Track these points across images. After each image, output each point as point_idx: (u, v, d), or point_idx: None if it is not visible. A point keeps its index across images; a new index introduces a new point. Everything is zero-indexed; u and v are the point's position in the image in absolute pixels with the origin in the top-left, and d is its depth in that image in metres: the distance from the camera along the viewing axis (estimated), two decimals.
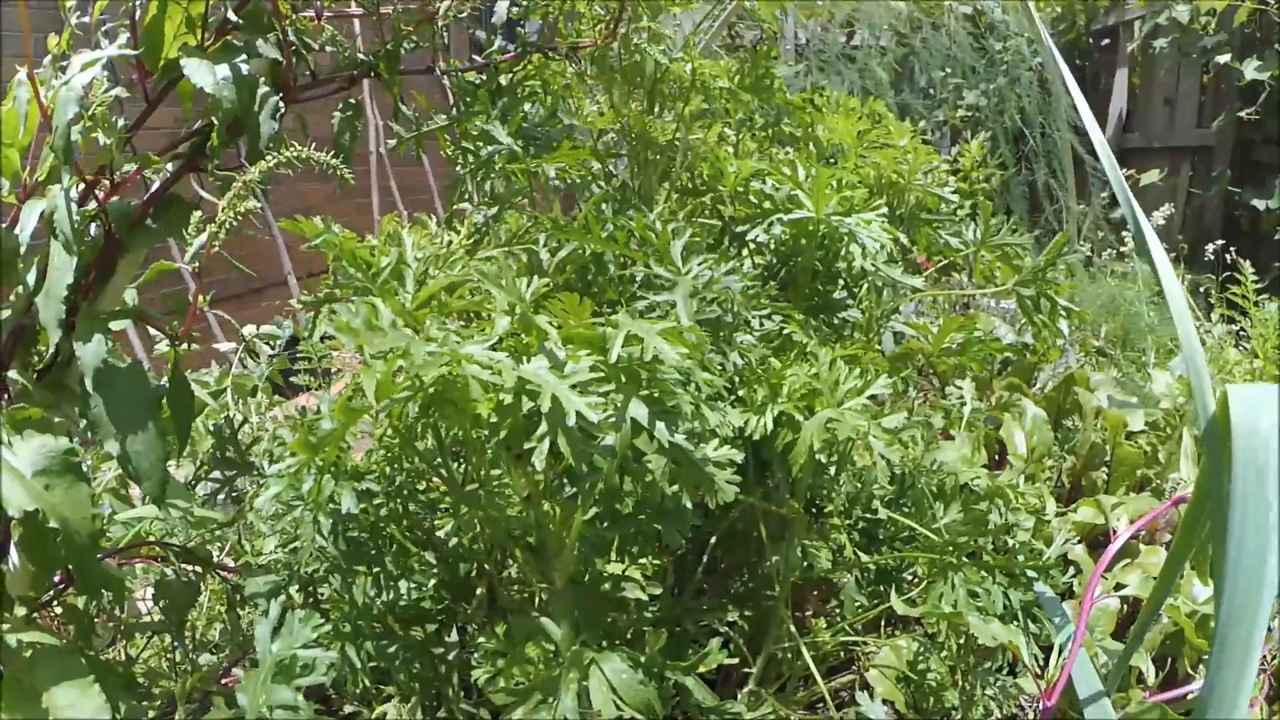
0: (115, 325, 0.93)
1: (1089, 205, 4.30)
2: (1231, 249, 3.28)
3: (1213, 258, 3.47)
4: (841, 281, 1.07)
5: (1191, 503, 0.71)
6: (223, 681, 1.24)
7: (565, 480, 0.64)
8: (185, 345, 0.96)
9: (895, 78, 3.89)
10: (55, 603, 1.03)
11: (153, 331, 1.56)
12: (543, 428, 0.52)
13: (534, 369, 0.54)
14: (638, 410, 0.57)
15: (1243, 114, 4.29)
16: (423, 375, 0.51)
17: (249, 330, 1.88)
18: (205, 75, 0.84)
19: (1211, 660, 0.59)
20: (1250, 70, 4.15)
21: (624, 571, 0.76)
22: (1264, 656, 1.20)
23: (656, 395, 0.58)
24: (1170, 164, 4.73)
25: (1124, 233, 3.77)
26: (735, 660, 0.98)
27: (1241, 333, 2.84)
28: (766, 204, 0.92)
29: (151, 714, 1.17)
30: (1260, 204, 4.24)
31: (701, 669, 0.69)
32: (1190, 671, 1.30)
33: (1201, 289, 3.56)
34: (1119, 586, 1.35)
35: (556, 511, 0.63)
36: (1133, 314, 2.97)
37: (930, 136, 4.00)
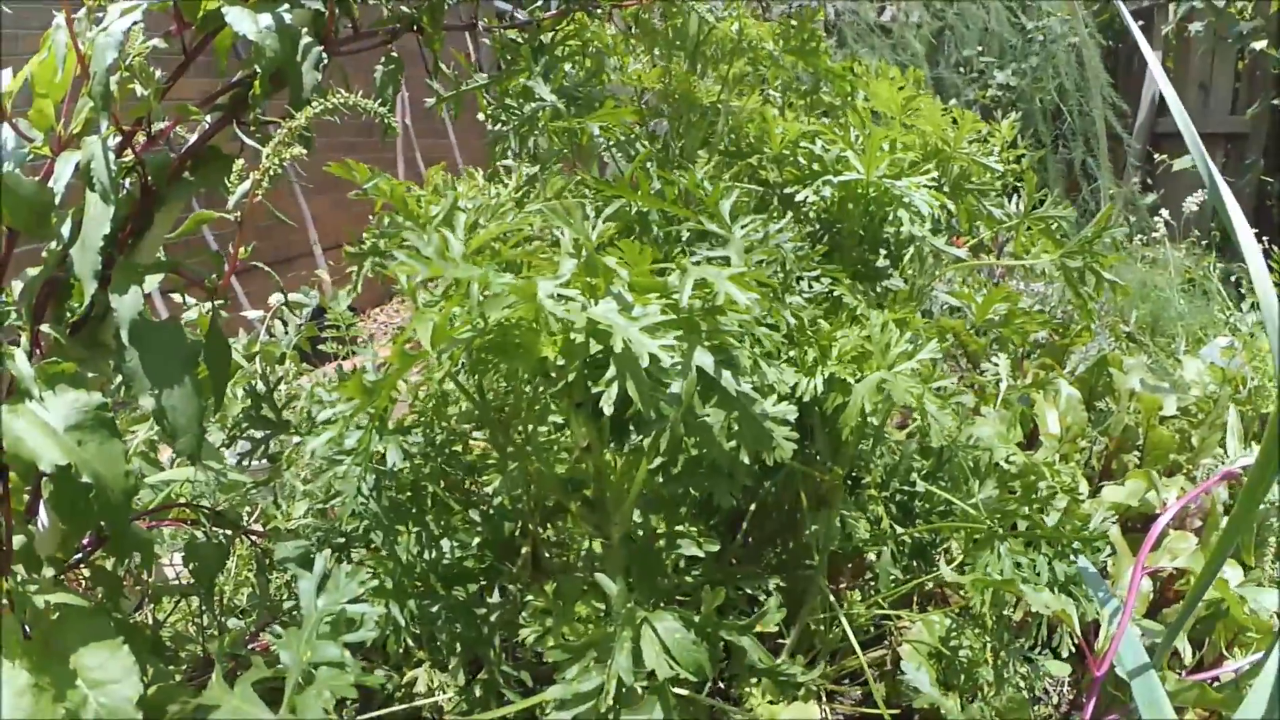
0: (150, 280, 0.92)
1: (1123, 186, 4.23)
2: (1264, 238, 3.21)
3: None
4: (884, 250, 1.05)
5: (1255, 470, 0.69)
6: (251, 646, 1.24)
7: (623, 431, 0.63)
8: (222, 303, 0.95)
9: (930, 51, 3.82)
10: (83, 565, 1.03)
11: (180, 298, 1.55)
12: (611, 371, 0.50)
13: (604, 311, 0.52)
14: (703, 358, 0.55)
15: (1277, 102, 4.20)
16: (487, 314, 0.49)
17: (276, 298, 1.88)
18: (248, 23, 0.82)
19: None
20: None
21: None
22: None
23: (718, 345, 0.57)
24: None
25: (1155, 218, 3.70)
26: (772, 630, 0.97)
27: None
28: (815, 165, 0.90)
29: (178, 678, 1.17)
30: None
31: (758, 628, 0.68)
32: (1224, 653, 1.28)
33: (1232, 277, 3.50)
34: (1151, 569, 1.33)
35: (617, 463, 0.62)
36: (1163, 300, 2.93)
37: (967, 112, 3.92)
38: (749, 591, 0.94)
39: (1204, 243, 3.81)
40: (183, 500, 1.35)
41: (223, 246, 2.57)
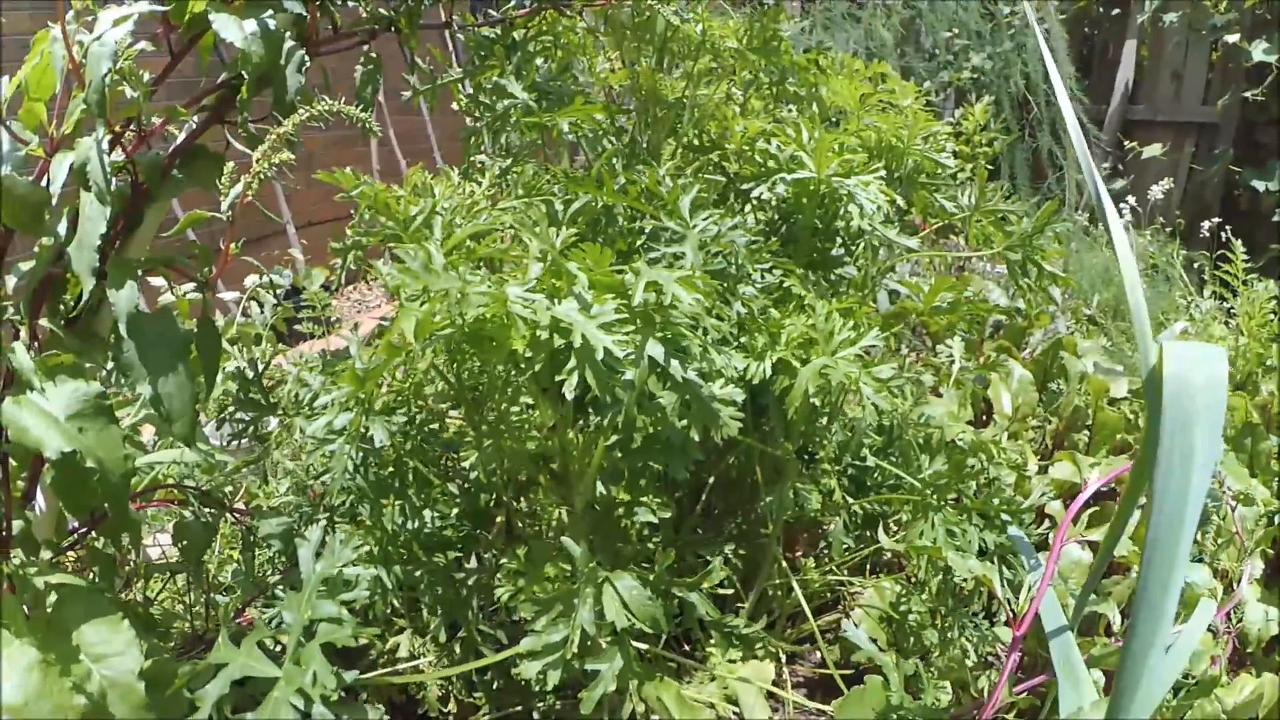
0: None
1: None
2: (1228, 227, 3.30)
3: (1208, 234, 3.50)
4: (839, 240, 1.11)
5: (1139, 455, 0.76)
6: (237, 621, 1.30)
7: (587, 412, 0.69)
8: (208, 292, 1.00)
9: (900, 39, 3.89)
10: (77, 546, 1.07)
11: (154, 282, 1.57)
12: (572, 362, 0.57)
13: (566, 310, 0.59)
14: (654, 349, 0.62)
15: (1248, 94, 4.29)
16: (464, 314, 0.56)
17: (251, 280, 1.91)
18: (234, 30, 0.86)
19: (1135, 599, 0.64)
20: (1258, 52, 4.15)
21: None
22: (1227, 616, 1.27)
23: (669, 337, 0.64)
24: (1174, 139, 4.73)
25: (1122, 204, 3.79)
26: (730, 592, 1.04)
27: (1231, 310, 2.88)
28: (771, 163, 0.96)
29: (168, 655, 1.22)
30: (1260, 185, 4.26)
31: (704, 586, 0.75)
32: None
33: (1195, 264, 3.60)
34: (1091, 543, 1.41)
35: (580, 440, 0.68)
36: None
37: (934, 98, 4.02)
38: (707, 558, 1.01)
39: (1169, 230, 3.91)
40: (169, 481, 1.40)
41: (205, 237, 2.59)
